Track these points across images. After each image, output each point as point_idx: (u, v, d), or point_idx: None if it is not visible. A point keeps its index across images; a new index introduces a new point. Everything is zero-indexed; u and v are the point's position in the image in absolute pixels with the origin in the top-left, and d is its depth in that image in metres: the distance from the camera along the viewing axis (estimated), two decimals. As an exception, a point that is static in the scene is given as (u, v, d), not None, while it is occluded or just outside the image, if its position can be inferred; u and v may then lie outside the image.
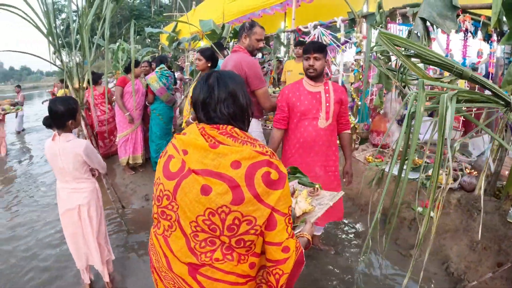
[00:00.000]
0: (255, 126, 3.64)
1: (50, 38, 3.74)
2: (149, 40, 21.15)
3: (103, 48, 4.53)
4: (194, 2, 13.18)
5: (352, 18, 5.15)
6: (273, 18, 9.03)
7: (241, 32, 3.50)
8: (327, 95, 3.06)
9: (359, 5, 5.40)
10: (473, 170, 4.37)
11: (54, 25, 3.72)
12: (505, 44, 3.20)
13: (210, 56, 4.21)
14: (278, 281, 1.35)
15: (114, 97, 6.26)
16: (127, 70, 6.09)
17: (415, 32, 2.82)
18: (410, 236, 3.87)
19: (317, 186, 2.30)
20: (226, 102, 1.39)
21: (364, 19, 5.01)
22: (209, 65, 4.27)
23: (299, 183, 2.36)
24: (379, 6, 4.44)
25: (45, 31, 3.73)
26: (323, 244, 3.81)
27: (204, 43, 9.94)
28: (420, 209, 3.98)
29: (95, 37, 4.15)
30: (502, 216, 3.46)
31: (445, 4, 2.74)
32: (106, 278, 3.18)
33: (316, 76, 3.03)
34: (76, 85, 4.14)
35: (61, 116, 2.68)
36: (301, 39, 6.59)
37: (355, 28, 5.13)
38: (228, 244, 1.33)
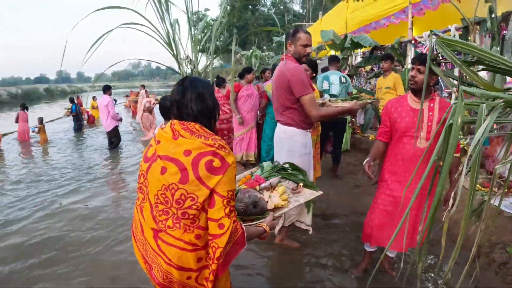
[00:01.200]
0: (301, 137, 3.56)
1: (169, 48, 4.26)
2: (285, 48, 22.04)
3: (238, 53, 5.10)
4: (320, 13, 13.31)
5: (466, 26, 4.59)
6: (399, 27, 8.63)
7: (286, 40, 3.47)
8: (431, 113, 2.79)
9: (479, 11, 4.78)
10: None
11: (172, 38, 4.17)
12: None
13: (310, 65, 4.77)
14: (214, 253, 1.66)
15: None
16: (241, 76, 6.85)
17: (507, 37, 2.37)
18: (495, 283, 3.30)
19: (300, 184, 2.51)
20: (195, 101, 1.75)
21: (478, 27, 4.43)
22: (313, 74, 4.90)
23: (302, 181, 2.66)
24: (490, 11, 3.86)
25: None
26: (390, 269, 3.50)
27: (334, 52, 9.87)
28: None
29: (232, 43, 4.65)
30: None
31: None
32: None
33: (417, 89, 2.80)
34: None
35: (168, 110, 3.33)
36: (417, 50, 6.13)
37: (469, 37, 4.57)
38: (177, 215, 1.68)
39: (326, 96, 5.30)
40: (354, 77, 9.10)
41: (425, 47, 5.88)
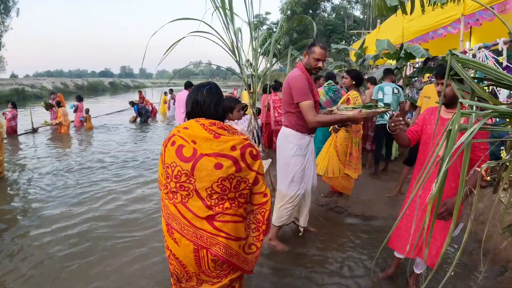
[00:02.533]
0: (295, 139, 3.79)
1: (233, 55, 4.68)
2: (344, 54, 22.16)
3: (294, 57, 5.53)
4: (378, 21, 13.26)
5: (512, 39, 4.62)
6: (457, 37, 8.53)
7: (306, 51, 3.71)
8: None
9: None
10: None
11: (236, 45, 4.53)
12: None
13: (355, 76, 5.24)
14: (264, 216, 2.21)
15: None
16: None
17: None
18: None
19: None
20: (217, 105, 2.16)
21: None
22: (353, 82, 5.30)
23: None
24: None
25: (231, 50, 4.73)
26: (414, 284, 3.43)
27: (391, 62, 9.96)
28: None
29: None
30: None
31: None
32: None
33: (448, 102, 2.88)
34: (251, 90, 5.49)
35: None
36: None
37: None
38: (233, 197, 2.07)
39: (380, 104, 5.57)
40: (408, 87, 9.10)
41: (477, 58, 5.84)
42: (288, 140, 3.81)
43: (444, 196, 2.80)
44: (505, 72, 1.66)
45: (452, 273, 3.66)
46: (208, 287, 2.15)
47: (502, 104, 1.74)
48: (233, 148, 2.03)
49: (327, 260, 3.94)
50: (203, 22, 4.05)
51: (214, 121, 2.09)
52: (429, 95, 5.56)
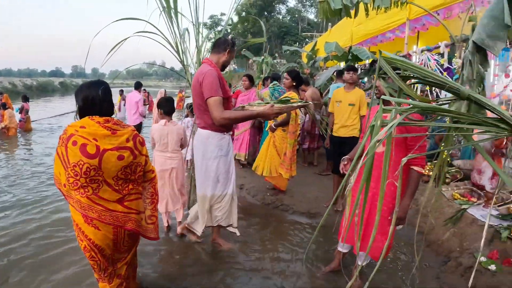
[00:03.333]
0: (215, 140, 3.64)
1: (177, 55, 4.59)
2: (296, 56, 22.51)
3: (250, 59, 5.55)
4: (330, 24, 13.59)
5: (453, 43, 4.88)
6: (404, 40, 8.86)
7: (225, 47, 3.60)
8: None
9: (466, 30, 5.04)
10: None
11: (181, 46, 4.51)
12: None
13: (295, 76, 5.38)
14: (155, 188, 2.74)
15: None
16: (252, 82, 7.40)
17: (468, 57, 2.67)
18: (459, 284, 3.52)
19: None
20: (110, 103, 2.43)
21: (464, 44, 4.71)
22: (294, 83, 5.43)
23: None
24: (473, 29, 4.17)
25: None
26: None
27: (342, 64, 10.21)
28: (483, 258, 3.61)
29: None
30: None
31: (498, 23, 2.54)
32: (179, 218, 4.47)
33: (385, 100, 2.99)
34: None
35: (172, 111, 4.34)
36: None
37: (456, 54, 4.85)
38: (134, 179, 2.50)
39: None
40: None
41: (418, 62, 6.11)
42: (208, 143, 3.66)
43: (387, 194, 2.94)
44: (431, 70, 1.74)
45: (399, 266, 3.89)
46: (119, 265, 2.60)
47: (428, 100, 1.83)
48: (127, 140, 2.38)
49: (272, 257, 4.01)
50: (149, 23, 3.99)
51: (107, 118, 2.35)
52: (340, 99, 5.21)
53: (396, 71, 1.74)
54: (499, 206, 4.51)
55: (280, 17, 44.60)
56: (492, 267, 3.49)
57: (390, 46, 9.50)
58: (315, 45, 12.67)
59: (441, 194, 4.93)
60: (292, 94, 5.27)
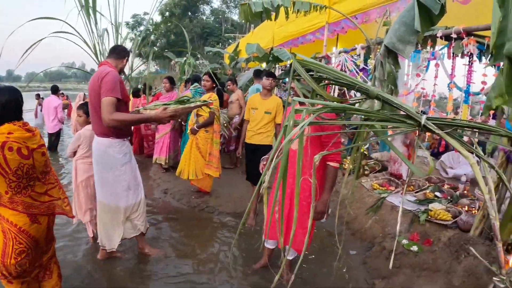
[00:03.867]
0: (117, 148, 3.50)
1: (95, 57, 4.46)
2: (219, 57, 22.47)
3: (172, 60, 5.42)
4: (253, 25, 13.79)
5: (369, 45, 5.20)
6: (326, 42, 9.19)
7: (124, 54, 3.61)
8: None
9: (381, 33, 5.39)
10: (473, 208, 4.21)
11: (99, 49, 4.32)
12: (493, 64, 3.18)
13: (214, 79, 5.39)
14: (55, 174, 2.82)
15: None
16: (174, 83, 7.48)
17: (381, 60, 2.89)
18: (384, 267, 3.78)
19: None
20: (20, 108, 2.50)
21: (378, 46, 5.04)
22: (214, 85, 5.52)
23: None
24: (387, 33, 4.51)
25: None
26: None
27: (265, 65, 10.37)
28: (405, 241, 3.93)
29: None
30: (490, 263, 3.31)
31: (409, 29, 2.78)
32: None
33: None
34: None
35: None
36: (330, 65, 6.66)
37: (371, 55, 5.18)
38: (49, 170, 2.71)
39: None
40: (276, 88, 9.56)
41: (335, 63, 6.42)
42: (111, 152, 3.46)
43: (304, 190, 3.07)
44: (343, 73, 1.86)
45: (329, 255, 4.06)
46: (46, 257, 2.75)
47: (340, 100, 1.96)
48: (41, 139, 2.61)
49: (201, 259, 4.03)
50: (64, 21, 3.83)
51: (21, 122, 2.48)
52: (256, 106, 4.94)
53: (310, 73, 1.84)
54: (416, 192, 4.91)
55: (204, 17, 44.41)
56: (414, 248, 3.81)
57: (310, 48, 9.79)
58: (237, 46, 12.76)
59: (361, 185, 5.26)
60: (213, 96, 5.35)
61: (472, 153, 1.56)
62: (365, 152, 5.49)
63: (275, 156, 1.60)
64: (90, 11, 4.02)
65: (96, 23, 4.11)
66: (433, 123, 1.54)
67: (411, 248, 3.81)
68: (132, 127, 4.89)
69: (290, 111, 1.64)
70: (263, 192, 1.64)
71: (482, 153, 1.57)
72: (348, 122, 2.01)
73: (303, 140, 2.97)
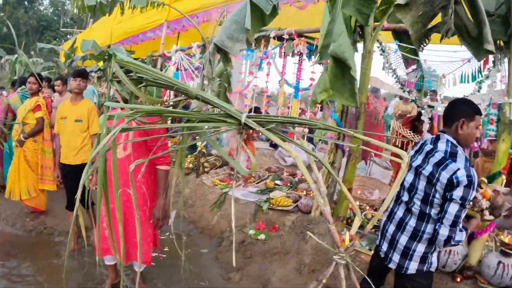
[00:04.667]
0: None
1: None
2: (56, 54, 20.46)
3: (1, 58, 4.60)
4: (91, 20, 12.95)
5: (204, 44, 5.29)
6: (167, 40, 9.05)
7: None
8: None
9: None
10: (311, 191, 4.61)
11: None
12: (319, 62, 3.46)
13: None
14: None
15: None
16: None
17: (209, 58, 2.93)
18: (236, 259, 3.85)
19: None
20: None
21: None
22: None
23: None
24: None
25: None
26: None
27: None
28: (252, 231, 4.11)
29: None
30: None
31: (239, 27, 2.87)
32: None
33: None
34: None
35: None
36: (166, 64, 6.60)
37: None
38: None
39: None
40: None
41: (172, 62, 6.37)
42: None
43: (138, 199, 2.89)
44: (162, 73, 1.81)
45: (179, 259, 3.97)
46: None
47: (159, 102, 1.93)
48: None
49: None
50: None
51: None
52: (65, 115, 4.06)
53: (130, 74, 1.76)
54: (257, 183, 5.17)
55: (42, 8, 39.98)
56: (262, 236, 4.02)
57: (151, 45, 9.50)
58: (74, 42, 11.74)
59: (202, 183, 5.33)
60: (40, 100, 4.77)
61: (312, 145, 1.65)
62: (203, 150, 5.58)
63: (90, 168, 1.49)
64: None
65: None
66: (254, 121, 1.57)
67: (259, 237, 4.01)
68: None
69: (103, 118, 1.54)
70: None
71: (306, 147, 1.67)
72: (171, 126, 2.00)
73: (123, 148, 2.85)
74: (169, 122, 3.44)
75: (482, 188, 2.48)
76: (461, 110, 2.26)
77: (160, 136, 2.57)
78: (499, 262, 3.13)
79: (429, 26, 2.83)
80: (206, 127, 1.81)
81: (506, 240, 3.20)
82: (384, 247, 2.49)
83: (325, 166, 1.64)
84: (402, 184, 2.43)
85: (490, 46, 2.66)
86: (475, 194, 2.36)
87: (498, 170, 3.21)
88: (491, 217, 2.45)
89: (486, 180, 2.56)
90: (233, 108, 1.67)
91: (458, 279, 3.21)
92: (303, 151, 1.54)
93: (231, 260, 3.83)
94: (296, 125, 1.72)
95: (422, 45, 3.21)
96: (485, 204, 2.40)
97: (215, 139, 5.82)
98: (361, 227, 3.76)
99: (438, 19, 2.70)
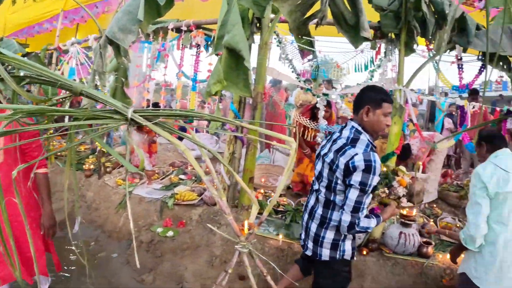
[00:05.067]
0: None
1: None
2: None
3: None
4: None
5: (100, 36, 5.07)
6: (64, 32, 8.48)
7: None
8: None
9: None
10: (215, 184, 4.64)
11: None
12: (215, 54, 3.49)
13: None
14: None
15: None
16: None
17: (99, 51, 2.81)
18: (147, 259, 3.82)
19: None
20: None
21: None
22: None
23: None
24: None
25: None
26: None
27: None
28: (159, 229, 4.03)
29: None
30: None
31: (131, 17, 2.75)
32: None
33: None
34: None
35: None
36: (61, 58, 6.22)
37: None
38: None
39: None
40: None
41: (68, 55, 6.00)
42: None
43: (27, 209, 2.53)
44: (46, 68, 1.71)
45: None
46: None
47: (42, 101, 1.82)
48: None
49: None
50: None
51: None
52: None
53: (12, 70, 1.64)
54: (161, 179, 5.09)
55: None
56: (170, 233, 3.97)
57: (47, 38, 8.83)
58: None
59: (105, 184, 5.14)
60: None
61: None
62: (103, 150, 5.36)
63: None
64: None
65: None
66: (140, 115, 1.55)
67: (167, 234, 3.96)
68: None
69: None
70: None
71: (196, 139, 1.68)
72: (50, 126, 1.88)
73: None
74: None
75: (398, 175, 2.60)
76: (367, 97, 2.26)
77: (37, 138, 2.38)
78: (401, 233, 3.43)
79: (308, 14, 2.94)
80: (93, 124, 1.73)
81: (405, 212, 3.43)
82: (303, 235, 2.56)
83: (217, 157, 1.67)
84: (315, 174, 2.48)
85: (367, 34, 2.85)
86: (393, 183, 2.49)
87: (392, 150, 3.47)
88: (409, 204, 2.55)
89: (404, 168, 2.68)
90: (119, 103, 1.63)
91: (364, 252, 3.45)
92: (208, 143, 1.56)
93: (142, 261, 3.80)
94: (193, 118, 1.70)
95: (300, 34, 3.34)
96: (401, 191, 2.49)
97: (118, 137, 5.59)
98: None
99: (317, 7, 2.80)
